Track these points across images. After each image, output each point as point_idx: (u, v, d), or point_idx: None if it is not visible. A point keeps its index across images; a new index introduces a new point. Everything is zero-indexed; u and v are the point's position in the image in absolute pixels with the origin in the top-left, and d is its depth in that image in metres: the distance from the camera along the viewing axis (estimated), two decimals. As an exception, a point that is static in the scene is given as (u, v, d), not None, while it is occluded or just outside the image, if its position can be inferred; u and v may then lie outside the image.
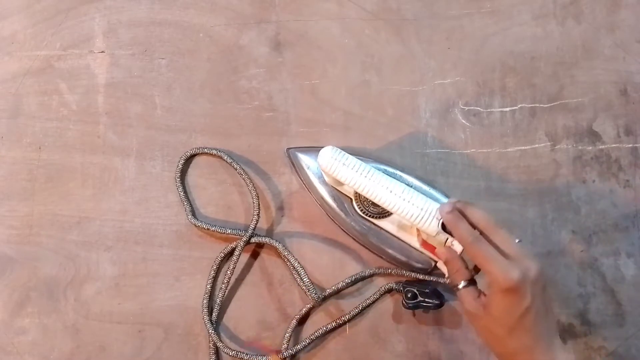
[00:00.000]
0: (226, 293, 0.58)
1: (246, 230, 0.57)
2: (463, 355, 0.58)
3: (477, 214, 0.49)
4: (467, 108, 0.61)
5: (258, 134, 0.60)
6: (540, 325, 0.47)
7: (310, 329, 0.58)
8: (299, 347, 0.57)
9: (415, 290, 0.55)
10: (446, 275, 0.55)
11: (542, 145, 0.60)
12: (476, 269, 0.49)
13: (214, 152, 0.59)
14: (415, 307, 0.55)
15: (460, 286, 0.49)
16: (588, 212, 0.59)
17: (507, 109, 0.61)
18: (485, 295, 0.48)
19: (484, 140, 0.60)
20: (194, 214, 0.59)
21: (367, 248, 0.58)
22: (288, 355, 0.57)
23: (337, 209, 0.57)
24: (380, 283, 0.58)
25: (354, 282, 0.58)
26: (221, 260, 0.58)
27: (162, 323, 0.58)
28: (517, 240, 0.47)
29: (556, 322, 0.49)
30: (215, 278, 0.59)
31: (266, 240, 0.58)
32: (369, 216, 0.56)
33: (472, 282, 0.49)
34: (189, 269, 0.59)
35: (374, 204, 0.54)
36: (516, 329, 0.46)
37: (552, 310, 0.49)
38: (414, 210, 0.51)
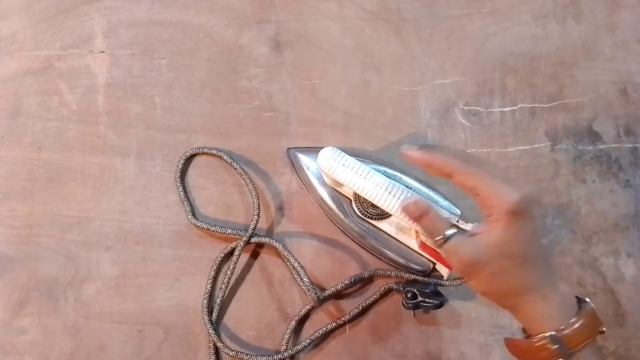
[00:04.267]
0: (226, 293, 0.58)
1: (246, 230, 0.57)
2: (463, 355, 0.58)
3: (449, 151, 0.45)
4: (467, 108, 0.61)
5: (258, 134, 0.60)
6: (545, 252, 0.43)
7: (310, 329, 0.58)
8: (299, 347, 0.57)
9: (415, 290, 0.55)
10: (445, 277, 0.55)
11: (542, 145, 0.60)
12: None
13: (214, 152, 0.59)
14: (415, 307, 0.55)
15: (449, 233, 0.44)
16: (588, 212, 0.59)
17: (507, 109, 0.61)
18: (477, 235, 0.43)
19: (484, 140, 0.60)
20: (194, 214, 0.59)
21: (366, 249, 0.58)
22: (288, 355, 0.57)
23: (337, 210, 0.57)
24: (380, 283, 0.58)
25: (353, 283, 0.58)
26: (221, 260, 0.58)
27: (162, 323, 0.58)
28: None
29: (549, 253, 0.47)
30: (215, 278, 0.59)
31: (266, 240, 0.58)
32: (368, 217, 0.56)
33: (456, 227, 0.45)
34: (189, 269, 0.59)
35: (373, 206, 0.54)
36: (526, 259, 0.42)
37: (540, 240, 0.46)
38: (413, 212, 0.51)
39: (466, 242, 0.43)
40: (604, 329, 0.43)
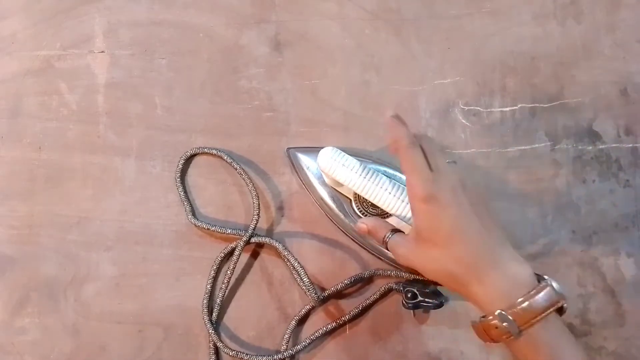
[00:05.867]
0: (226, 293, 0.58)
1: (246, 230, 0.57)
2: (463, 355, 0.58)
3: (404, 131, 0.48)
4: (467, 108, 0.61)
5: (258, 134, 0.60)
6: (478, 237, 0.45)
7: (310, 329, 0.58)
8: (299, 347, 0.57)
9: (415, 290, 0.55)
10: None
11: (542, 145, 0.60)
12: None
13: (214, 152, 0.59)
14: (415, 307, 0.55)
15: (388, 236, 0.49)
16: (588, 212, 0.59)
17: (507, 109, 0.61)
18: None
19: (484, 140, 0.60)
20: (194, 214, 0.59)
21: (366, 249, 0.58)
22: (288, 355, 0.57)
23: (337, 210, 0.57)
24: (380, 283, 0.58)
25: (353, 283, 0.58)
26: (221, 260, 0.58)
27: (162, 323, 0.58)
28: (450, 161, 0.47)
29: (504, 234, 0.46)
30: (215, 278, 0.59)
31: (266, 240, 0.58)
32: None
33: (396, 230, 0.50)
34: (189, 269, 0.59)
35: (373, 205, 0.54)
36: (450, 244, 0.44)
37: (495, 222, 0.46)
38: (412, 212, 0.51)
39: (401, 239, 0.49)
40: (564, 304, 0.43)
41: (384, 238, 0.50)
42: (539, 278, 0.44)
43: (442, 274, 0.46)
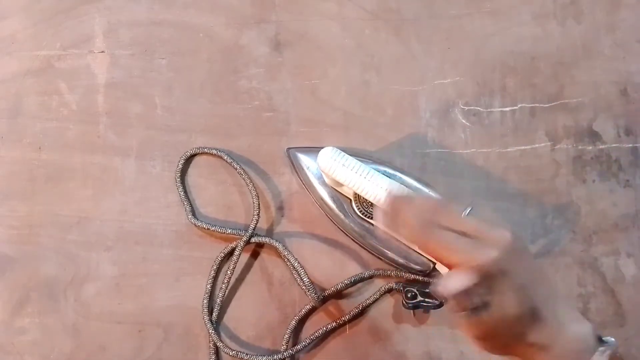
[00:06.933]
0: (226, 293, 0.58)
1: (246, 230, 0.57)
2: (463, 355, 0.58)
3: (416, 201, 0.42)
4: (467, 108, 0.61)
5: (258, 134, 0.60)
6: (537, 297, 0.39)
7: (310, 329, 0.58)
8: (299, 347, 0.57)
9: (415, 290, 0.55)
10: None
11: (542, 145, 0.60)
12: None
13: (214, 152, 0.59)
14: (415, 307, 0.55)
15: (475, 308, 0.39)
16: (588, 212, 0.59)
17: (507, 109, 0.61)
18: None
19: (484, 140, 0.60)
20: (194, 214, 0.59)
21: (366, 249, 0.58)
22: (288, 355, 0.57)
23: (337, 210, 0.57)
24: (380, 283, 0.58)
25: (353, 283, 0.58)
26: (221, 260, 0.58)
27: (162, 323, 0.58)
28: (467, 210, 0.40)
29: (554, 286, 0.41)
30: (215, 278, 0.59)
31: (266, 240, 0.58)
32: (368, 217, 0.56)
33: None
34: (189, 269, 0.59)
35: (373, 205, 0.54)
36: (520, 317, 0.39)
37: (545, 274, 0.42)
38: (413, 211, 0.51)
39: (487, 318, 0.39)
40: None
41: (468, 306, 0.39)
42: (598, 337, 0.41)
43: (517, 347, 0.41)
